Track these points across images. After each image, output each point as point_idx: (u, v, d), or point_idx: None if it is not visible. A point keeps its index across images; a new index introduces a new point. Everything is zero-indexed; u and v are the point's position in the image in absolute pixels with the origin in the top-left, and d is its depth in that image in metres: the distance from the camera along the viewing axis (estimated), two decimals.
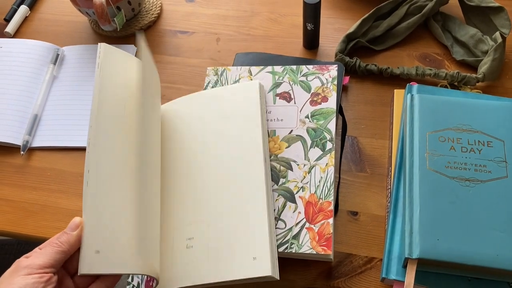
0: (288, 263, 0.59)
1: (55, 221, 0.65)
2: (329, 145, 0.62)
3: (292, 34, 0.80)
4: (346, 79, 0.72)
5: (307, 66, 0.69)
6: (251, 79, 0.69)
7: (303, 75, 0.69)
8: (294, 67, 0.70)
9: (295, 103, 0.66)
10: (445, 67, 0.74)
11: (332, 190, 0.59)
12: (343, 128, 0.69)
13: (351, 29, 0.74)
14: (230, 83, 0.69)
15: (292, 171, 0.61)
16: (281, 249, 0.56)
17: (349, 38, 0.75)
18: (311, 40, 0.77)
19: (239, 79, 0.70)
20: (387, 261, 0.55)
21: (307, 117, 0.65)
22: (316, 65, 0.69)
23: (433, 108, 0.59)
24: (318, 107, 0.65)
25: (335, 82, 0.67)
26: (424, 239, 0.51)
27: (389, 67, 0.72)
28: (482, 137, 0.57)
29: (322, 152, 0.62)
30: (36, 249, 0.47)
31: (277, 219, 0.58)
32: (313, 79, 0.68)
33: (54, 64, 0.79)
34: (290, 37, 0.80)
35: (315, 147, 0.62)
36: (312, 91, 0.67)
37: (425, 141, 0.57)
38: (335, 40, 0.77)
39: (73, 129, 0.73)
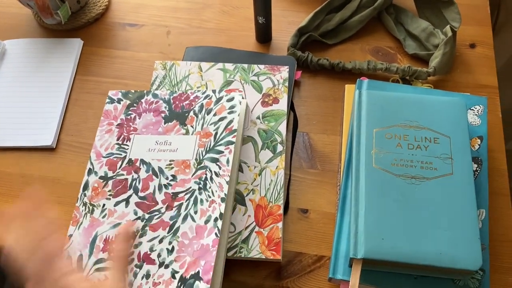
0: (237, 262, 0.58)
1: None
2: (279, 148, 0.61)
3: (244, 27, 0.78)
4: (298, 74, 0.71)
5: (259, 65, 0.68)
6: (201, 75, 0.67)
7: (254, 75, 0.67)
8: (245, 65, 0.68)
9: None
10: (398, 61, 0.73)
11: (282, 193, 0.58)
12: (294, 124, 0.67)
13: (303, 23, 0.73)
14: (179, 78, 0.67)
15: (243, 172, 0.60)
16: (230, 253, 0.55)
17: (301, 32, 0.73)
18: (263, 34, 0.75)
19: (189, 74, 0.68)
20: (334, 260, 0.54)
21: (258, 118, 0.64)
22: (268, 65, 0.68)
23: (381, 105, 0.59)
24: (269, 108, 0.64)
25: (286, 84, 0.66)
26: (369, 239, 0.50)
27: (341, 62, 0.71)
28: (429, 134, 0.56)
29: (272, 155, 0.61)
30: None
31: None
32: (264, 80, 0.67)
33: None
34: (242, 31, 0.78)
35: (266, 149, 0.61)
36: (264, 91, 0.66)
37: (371, 138, 0.56)
38: (288, 34, 0.75)
39: (22, 128, 0.69)
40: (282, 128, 0.63)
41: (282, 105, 0.64)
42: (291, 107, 0.69)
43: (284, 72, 0.67)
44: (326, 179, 0.64)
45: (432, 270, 0.51)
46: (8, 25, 0.81)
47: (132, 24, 0.80)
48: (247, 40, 0.77)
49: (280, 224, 0.57)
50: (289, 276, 0.58)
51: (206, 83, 0.67)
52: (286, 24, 0.78)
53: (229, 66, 0.68)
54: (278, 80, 0.66)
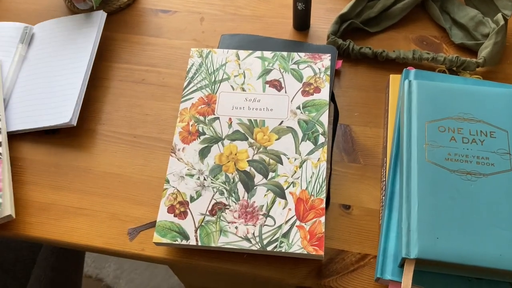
0: (276, 259, 0.55)
1: (26, 215, 0.60)
2: (321, 139, 0.58)
3: (281, 14, 0.75)
4: (339, 63, 0.68)
5: (299, 53, 0.65)
6: (239, 64, 0.65)
7: (294, 63, 0.64)
8: (285, 53, 0.65)
9: (286, 92, 0.62)
10: (443, 50, 0.70)
11: (324, 186, 0.55)
12: (335, 116, 0.64)
13: (344, 10, 0.70)
14: (216, 66, 0.65)
15: (282, 165, 0.57)
16: (270, 248, 0.53)
17: (342, 19, 0.70)
18: (302, 21, 0.72)
19: (226, 62, 0.65)
20: (382, 259, 0.51)
21: (298, 108, 0.61)
22: (308, 54, 0.65)
23: (433, 96, 0.55)
24: (310, 98, 0.61)
25: (328, 72, 0.63)
26: (423, 238, 0.47)
27: (384, 51, 0.67)
28: (485, 127, 0.53)
29: (314, 146, 0.58)
30: None
31: (266, 215, 0.55)
32: (305, 68, 0.64)
33: (22, 43, 0.73)
34: (279, 18, 0.75)
35: (307, 140, 0.58)
36: (304, 80, 0.63)
37: (423, 131, 0.53)
38: (327, 21, 0.72)
39: (42, 108, 0.67)
40: (324, 118, 0.60)
41: (324, 95, 0.61)
42: (332, 98, 0.66)
43: (326, 60, 0.64)
44: (369, 174, 0.61)
45: (490, 272, 0.47)
46: (38, 11, 0.79)
47: (164, 10, 0.77)
48: (284, 28, 0.74)
49: (322, 219, 0.54)
50: (331, 275, 0.55)
51: (244, 72, 0.64)
52: (325, 11, 0.75)
53: (268, 54, 0.65)
54: (319, 69, 0.63)
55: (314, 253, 0.52)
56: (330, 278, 0.55)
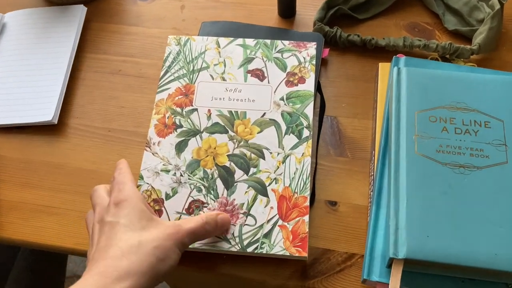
0: (257, 259, 0.52)
1: None
2: (306, 133, 0.55)
3: (265, 1, 0.71)
4: (326, 51, 0.64)
5: (283, 41, 0.61)
6: (219, 52, 0.61)
7: (278, 51, 0.60)
8: (268, 41, 0.61)
9: (268, 83, 0.58)
10: (436, 37, 0.66)
11: (309, 183, 0.52)
12: (321, 107, 0.61)
13: None
14: (195, 55, 0.61)
15: (265, 160, 0.54)
16: (250, 249, 0.49)
17: (329, 5, 0.66)
18: (287, 8, 0.68)
19: (205, 50, 0.61)
20: (369, 260, 0.48)
21: (282, 99, 0.57)
22: (293, 42, 0.61)
23: (423, 84, 0.52)
24: (295, 88, 0.58)
25: (314, 62, 0.59)
26: (412, 237, 0.44)
27: (373, 38, 0.64)
28: (479, 117, 0.49)
29: (298, 140, 0.54)
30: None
31: (247, 214, 0.51)
32: (289, 57, 0.60)
33: None
34: (263, 5, 0.71)
35: (291, 133, 0.55)
36: (288, 70, 0.59)
37: (413, 122, 0.49)
38: (313, 8, 0.68)
39: (19, 104, 0.64)
40: (309, 110, 0.56)
41: (309, 85, 0.58)
42: (318, 88, 0.62)
43: (311, 48, 0.60)
44: (357, 168, 0.57)
45: (484, 273, 0.44)
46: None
47: None
48: (268, 15, 0.70)
49: (306, 218, 0.51)
50: (315, 276, 0.52)
51: (224, 60, 0.60)
52: None
53: (250, 42, 0.61)
54: (304, 58, 0.60)
55: (297, 254, 0.49)
56: (315, 279, 0.51)
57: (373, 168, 0.54)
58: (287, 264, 0.52)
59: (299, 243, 0.49)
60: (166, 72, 0.60)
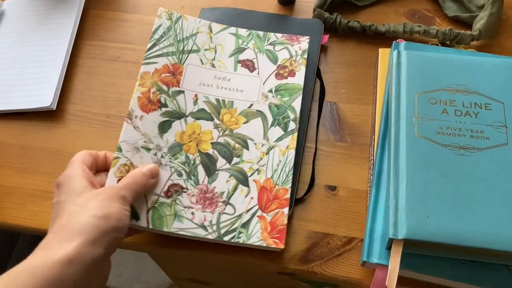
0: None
1: None
2: (292, 125, 0.54)
3: None
4: (325, 37, 0.64)
5: (276, 34, 0.61)
6: (211, 37, 0.60)
7: (270, 44, 0.60)
8: (261, 33, 0.61)
9: (258, 74, 0.58)
10: (436, 24, 0.66)
11: (291, 176, 0.52)
12: (321, 93, 0.61)
13: None
14: (185, 35, 0.59)
15: (248, 150, 0.53)
16: (227, 238, 0.49)
17: None
18: None
19: (197, 33, 0.60)
20: (368, 242, 0.48)
21: (270, 91, 0.56)
22: (285, 35, 0.60)
23: (423, 66, 0.51)
24: (284, 81, 0.57)
25: (305, 56, 0.59)
26: (412, 217, 0.43)
27: (373, 24, 0.63)
28: (479, 99, 0.49)
29: (283, 133, 0.54)
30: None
31: (226, 202, 0.50)
32: (281, 50, 0.59)
33: None
34: None
35: (276, 126, 0.54)
36: (279, 62, 0.58)
37: (413, 104, 0.49)
38: None
39: (18, 90, 0.64)
40: (297, 104, 0.55)
41: (299, 79, 0.57)
42: (317, 74, 0.62)
43: (303, 42, 0.60)
44: (356, 153, 0.57)
45: (485, 254, 0.43)
46: None
47: None
48: (268, 2, 0.69)
49: (286, 210, 0.50)
50: (315, 259, 0.51)
51: (215, 47, 0.59)
52: None
53: (243, 31, 0.61)
54: (296, 51, 0.59)
55: (274, 246, 0.48)
56: (314, 263, 0.51)
57: (373, 153, 0.54)
58: (286, 247, 0.52)
59: (277, 235, 0.49)
60: (155, 44, 0.57)
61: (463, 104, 0.49)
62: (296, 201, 0.54)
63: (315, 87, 0.61)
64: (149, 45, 0.57)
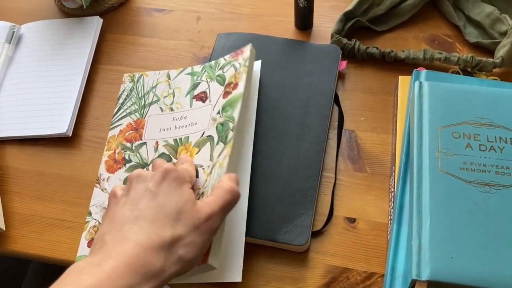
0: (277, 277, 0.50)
1: (7, 228, 0.56)
2: (230, 135, 0.51)
3: (282, 12, 0.71)
4: (343, 64, 0.63)
5: (225, 57, 0.58)
6: (169, 84, 0.60)
7: (220, 68, 0.58)
8: (213, 62, 0.59)
9: (210, 102, 0.56)
10: (457, 50, 0.65)
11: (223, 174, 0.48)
12: (339, 121, 0.60)
13: (350, 7, 0.65)
14: (146, 90, 0.60)
15: (198, 178, 0.51)
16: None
17: (347, 17, 0.65)
18: (304, 19, 0.67)
19: (157, 84, 0.60)
20: (390, 280, 0.46)
21: (218, 112, 0.54)
22: (232, 53, 0.58)
23: (446, 98, 0.50)
24: (229, 97, 0.54)
25: (247, 64, 0.55)
26: (436, 258, 0.42)
27: (392, 50, 0.62)
28: (505, 133, 0.48)
29: (224, 146, 0.51)
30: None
31: None
32: (228, 69, 0.57)
33: (9, 43, 0.69)
34: (280, 16, 0.70)
35: (220, 142, 0.52)
36: (226, 82, 0.56)
37: (436, 138, 0.48)
38: (331, 20, 0.67)
39: (34, 115, 0.64)
40: (236, 112, 0.52)
41: (240, 88, 0.54)
42: (336, 100, 0.61)
43: (246, 52, 0.57)
44: (376, 184, 0.56)
45: None
46: (26, 10, 0.75)
47: (159, 9, 0.73)
48: (285, 27, 0.69)
49: None
50: None
51: (173, 91, 0.59)
52: (329, 9, 0.70)
53: (197, 68, 0.60)
54: (240, 63, 0.56)
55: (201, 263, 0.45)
56: None
57: (393, 185, 0.53)
58: (303, 280, 0.51)
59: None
60: (119, 109, 0.60)
61: (488, 138, 0.48)
62: (313, 234, 0.53)
63: (333, 114, 0.60)
64: (114, 111, 0.60)
